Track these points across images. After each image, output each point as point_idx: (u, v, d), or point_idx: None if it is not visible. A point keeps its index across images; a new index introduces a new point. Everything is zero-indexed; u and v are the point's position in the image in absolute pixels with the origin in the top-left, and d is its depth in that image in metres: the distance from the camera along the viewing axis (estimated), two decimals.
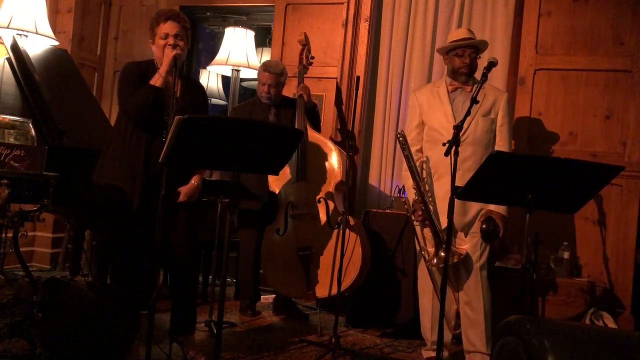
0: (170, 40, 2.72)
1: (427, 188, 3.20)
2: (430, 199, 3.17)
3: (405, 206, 3.36)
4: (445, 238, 3.04)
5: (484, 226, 3.08)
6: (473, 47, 3.20)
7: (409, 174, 3.18)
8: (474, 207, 3.14)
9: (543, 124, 4.14)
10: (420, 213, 3.14)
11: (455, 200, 2.99)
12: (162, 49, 2.73)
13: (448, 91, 3.23)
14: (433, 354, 3.24)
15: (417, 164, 3.22)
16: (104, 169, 2.79)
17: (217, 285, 3.63)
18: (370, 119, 4.59)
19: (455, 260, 3.04)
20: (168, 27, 2.75)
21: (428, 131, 3.26)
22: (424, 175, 3.24)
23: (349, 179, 3.51)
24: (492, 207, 3.10)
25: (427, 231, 3.17)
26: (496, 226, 3.08)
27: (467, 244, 3.17)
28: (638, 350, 1.79)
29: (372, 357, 3.29)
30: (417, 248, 3.31)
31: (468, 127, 3.11)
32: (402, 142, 3.20)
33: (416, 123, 3.31)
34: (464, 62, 3.17)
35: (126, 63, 2.90)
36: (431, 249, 3.15)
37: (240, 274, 4.05)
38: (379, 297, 3.86)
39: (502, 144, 3.18)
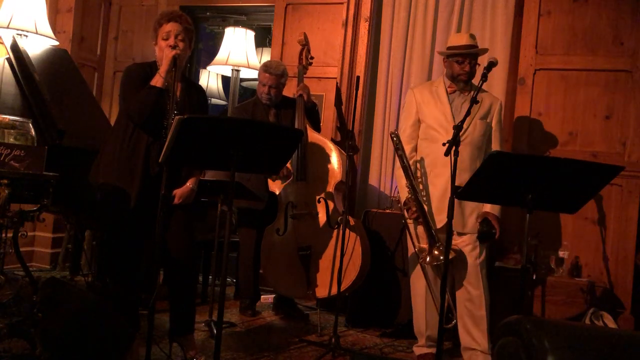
0: (171, 41, 2.72)
1: (421, 187, 3.22)
2: (424, 198, 3.19)
3: (398, 204, 3.39)
4: (438, 236, 3.09)
5: (484, 228, 3.13)
6: (474, 55, 3.20)
7: (402, 172, 3.20)
8: (469, 206, 3.19)
9: (543, 124, 4.14)
10: (414, 210, 3.15)
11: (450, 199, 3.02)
12: (164, 49, 2.73)
13: (447, 92, 3.25)
14: (426, 350, 3.26)
15: (411, 162, 3.24)
16: (101, 169, 2.79)
17: (217, 285, 3.64)
18: (370, 119, 4.58)
19: (450, 257, 3.04)
20: (170, 27, 2.76)
21: (425, 129, 3.27)
22: (419, 174, 3.25)
23: (349, 179, 3.51)
24: (488, 208, 3.16)
25: (421, 229, 3.19)
26: (492, 227, 3.15)
27: (465, 241, 3.19)
28: (638, 350, 1.79)
29: (372, 357, 3.29)
30: (410, 249, 3.32)
31: (467, 127, 3.14)
32: (396, 141, 3.23)
33: (412, 121, 3.32)
34: (463, 70, 3.19)
35: (128, 65, 2.91)
36: (424, 246, 3.16)
37: (240, 274, 4.05)
38: (379, 297, 3.86)
39: (495, 148, 3.23)
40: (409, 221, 3.27)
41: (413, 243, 3.27)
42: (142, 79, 2.74)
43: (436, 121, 3.21)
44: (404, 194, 3.24)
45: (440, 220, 3.15)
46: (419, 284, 3.28)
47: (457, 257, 3.15)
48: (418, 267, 3.26)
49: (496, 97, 3.43)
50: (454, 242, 3.18)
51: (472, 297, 3.17)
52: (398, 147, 3.21)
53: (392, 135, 3.26)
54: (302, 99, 3.87)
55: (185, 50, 2.76)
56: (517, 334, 1.88)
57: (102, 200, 2.81)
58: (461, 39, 3.24)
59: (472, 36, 3.27)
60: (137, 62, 2.98)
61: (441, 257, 3.03)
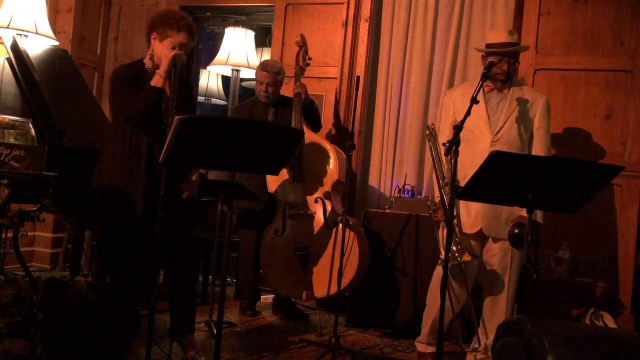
0: (180, 52, 2.72)
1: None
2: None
3: (428, 203, 3.32)
4: (458, 240, 3.02)
5: (515, 231, 3.00)
6: (512, 53, 3.08)
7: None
8: (505, 212, 3.06)
9: None
10: (443, 212, 3.09)
11: (486, 205, 2.96)
12: (165, 50, 2.74)
13: (484, 91, 3.13)
14: (427, 349, 3.23)
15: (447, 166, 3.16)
16: (103, 171, 2.78)
17: (217, 285, 3.63)
18: (370, 119, 4.59)
19: (464, 260, 2.97)
20: (183, 38, 2.76)
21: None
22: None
23: (348, 179, 3.51)
24: (524, 212, 2.99)
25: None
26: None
27: (495, 249, 3.12)
28: (638, 350, 1.79)
29: (372, 357, 3.29)
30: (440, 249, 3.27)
31: (502, 126, 3.07)
32: (429, 133, 3.14)
33: (450, 122, 3.21)
34: (501, 69, 3.06)
35: (116, 67, 2.90)
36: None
37: (240, 274, 4.05)
38: (378, 297, 3.86)
39: (539, 147, 3.12)
40: (438, 221, 3.20)
41: (438, 245, 3.20)
42: (133, 79, 2.74)
43: (472, 122, 3.03)
44: (437, 194, 3.17)
45: (472, 224, 3.09)
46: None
47: (485, 267, 3.08)
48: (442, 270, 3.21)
49: (541, 93, 3.25)
50: (489, 251, 3.13)
51: (494, 304, 3.12)
52: (430, 139, 3.11)
53: (427, 128, 3.16)
54: (300, 97, 3.86)
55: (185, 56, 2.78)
56: (517, 334, 1.88)
57: (103, 201, 2.80)
58: (499, 36, 3.11)
59: (512, 32, 3.12)
60: (123, 64, 2.98)
61: (457, 257, 2.95)
